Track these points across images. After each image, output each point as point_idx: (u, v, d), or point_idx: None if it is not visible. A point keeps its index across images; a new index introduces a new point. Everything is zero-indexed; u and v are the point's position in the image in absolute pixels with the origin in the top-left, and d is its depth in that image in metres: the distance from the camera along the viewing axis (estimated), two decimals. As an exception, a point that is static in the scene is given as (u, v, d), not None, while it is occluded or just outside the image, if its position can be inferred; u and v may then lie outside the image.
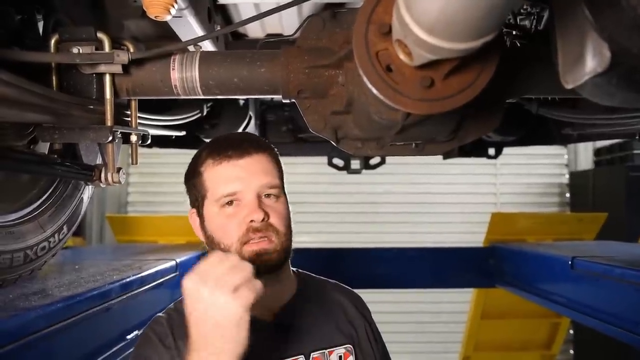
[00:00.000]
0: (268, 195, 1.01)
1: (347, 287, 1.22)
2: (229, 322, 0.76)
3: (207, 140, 1.44)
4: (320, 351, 1.03)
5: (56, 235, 1.45)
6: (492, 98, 1.23)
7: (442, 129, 1.25)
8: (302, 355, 1.01)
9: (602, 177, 5.00)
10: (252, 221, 0.97)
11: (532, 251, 2.44)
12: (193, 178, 1.05)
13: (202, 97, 1.27)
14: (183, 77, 1.22)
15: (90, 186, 1.59)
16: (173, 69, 1.22)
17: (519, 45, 1.44)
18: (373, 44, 0.84)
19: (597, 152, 5.42)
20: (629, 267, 1.66)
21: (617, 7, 0.68)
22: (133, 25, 1.73)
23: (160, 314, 1.03)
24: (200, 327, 0.78)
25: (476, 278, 2.94)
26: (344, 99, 1.21)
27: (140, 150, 1.39)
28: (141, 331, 1.01)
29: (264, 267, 0.96)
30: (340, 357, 1.05)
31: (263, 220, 0.97)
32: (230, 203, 0.99)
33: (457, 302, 5.09)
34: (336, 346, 1.05)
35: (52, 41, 1.14)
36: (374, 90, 0.85)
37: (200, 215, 1.04)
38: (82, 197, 1.57)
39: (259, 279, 0.97)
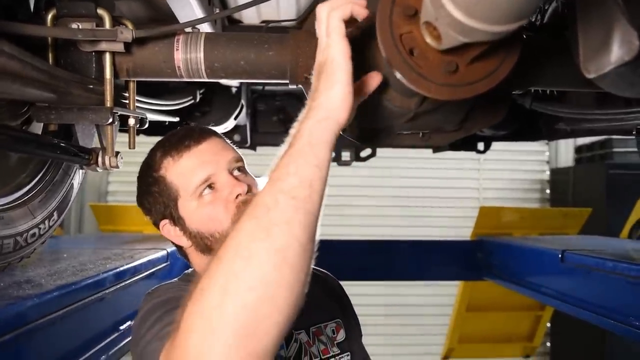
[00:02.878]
0: (239, 170, 1.01)
1: (320, 268, 1.25)
2: (326, 58, 0.77)
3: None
4: (317, 326, 1.07)
5: (46, 222, 1.39)
6: (500, 89, 1.22)
7: (452, 119, 1.24)
8: (303, 330, 1.04)
9: (582, 174, 5.11)
10: (238, 196, 0.95)
11: (522, 244, 2.47)
12: (153, 187, 1.01)
13: (206, 79, 1.23)
14: (187, 58, 1.18)
15: (81, 171, 1.53)
16: (177, 50, 1.17)
17: (525, 37, 1.43)
18: (397, 26, 0.82)
19: (578, 150, 5.53)
20: (620, 260, 1.69)
21: (653, -6, 0.68)
22: (124, 6, 1.67)
23: (159, 285, 0.99)
24: (315, 80, 0.78)
25: (464, 271, 2.96)
26: (354, 85, 1.19)
27: (123, 138, 1.32)
28: (143, 305, 0.92)
29: None
30: (333, 330, 1.10)
31: (248, 191, 0.96)
32: (207, 189, 0.97)
33: (441, 295, 5.16)
34: (329, 321, 1.10)
35: (49, 16, 1.08)
36: (398, 74, 0.82)
37: (178, 219, 1.00)
38: (73, 183, 1.52)
39: None
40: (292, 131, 0.73)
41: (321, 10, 0.80)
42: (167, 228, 1.02)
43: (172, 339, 0.63)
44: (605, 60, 0.80)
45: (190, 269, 1.08)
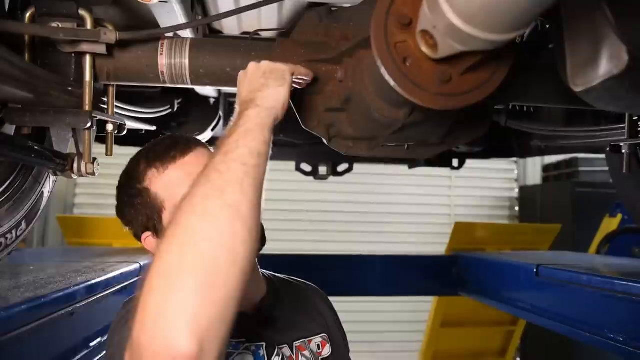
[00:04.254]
0: None
1: (307, 282, 1.25)
2: (274, 67, 0.94)
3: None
4: (301, 340, 1.06)
5: (14, 232, 1.31)
6: (482, 104, 1.25)
7: (436, 131, 1.24)
8: (287, 345, 1.03)
9: (549, 192, 5.27)
10: None
11: (497, 259, 2.50)
12: (136, 199, 0.98)
13: (190, 85, 1.21)
14: (172, 63, 1.15)
15: (51, 179, 1.46)
16: (161, 54, 1.14)
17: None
18: (392, 35, 0.82)
19: (545, 169, 5.71)
20: (594, 274, 1.72)
21: (642, 9, 0.70)
22: (101, 11, 1.63)
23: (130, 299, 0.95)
24: (251, 83, 0.92)
25: (439, 286, 2.97)
26: (341, 96, 1.18)
27: (94, 149, 1.27)
28: (118, 315, 0.91)
29: None
30: (318, 345, 1.08)
31: None
32: None
33: (414, 312, 5.17)
34: (314, 335, 1.09)
35: (28, 14, 1.04)
36: (392, 82, 0.82)
37: (162, 232, 0.97)
38: (43, 191, 1.44)
39: None
40: (237, 114, 0.84)
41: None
42: (149, 240, 0.99)
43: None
44: (594, 73, 0.82)
45: None
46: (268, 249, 1.06)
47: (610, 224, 3.71)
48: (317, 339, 1.09)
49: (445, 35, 0.70)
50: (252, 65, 0.96)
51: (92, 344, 1.37)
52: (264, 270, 1.18)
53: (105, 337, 1.45)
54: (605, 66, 0.79)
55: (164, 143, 1.01)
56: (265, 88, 0.89)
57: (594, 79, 0.82)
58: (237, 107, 0.91)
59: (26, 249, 2.91)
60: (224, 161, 0.72)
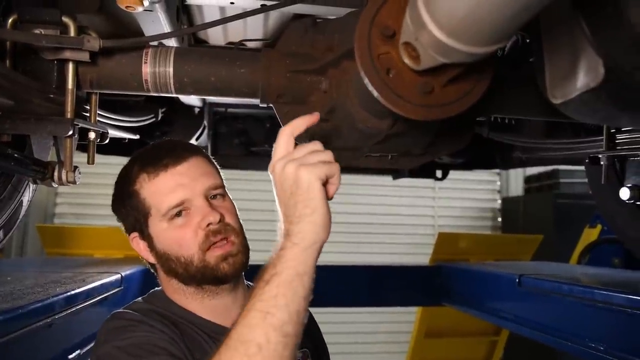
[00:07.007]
0: (214, 197, 0.99)
1: None
2: (299, 188, 0.76)
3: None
4: None
5: (-9, 241, 1.29)
6: (464, 115, 1.27)
7: (419, 142, 1.26)
8: None
9: (531, 203, 5.35)
10: (208, 225, 0.93)
11: (480, 270, 2.52)
12: (127, 200, 0.98)
13: (174, 94, 1.21)
14: (156, 71, 1.15)
15: (31, 188, 1.44)
16: (145, 63, 1.14)
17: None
18: (375, 46, 0.83)
19: (527, 180, 5.80)
20: (576, 284, 1.75)
21: (618, 24, 0.72)
22: (85, 19, 1.62)
23: (119, 311, 0.94)
24: (282, 202, 0.79)
25: (423, 296, 2.98)
26: (326, 106, 1.19)
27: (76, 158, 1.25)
28: (104, 329, 0.89)
29: (233, 268, 0.95)
30: None
31: (220, 221, 0.94)
32: (179, 214, 0.94)
33: (391, 322, 5.16)
34: None
35: (10, 20, 1.03)
36: (375, 93, 0.83)
37: (146, 236, 0.98)
38: (22, 200, 1.42)
39: (228, 285, 0.98)
40: (275, 256, 0.75)
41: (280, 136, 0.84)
42: (136, 241, 1.00)
43: None
44: (572, 86, 0.84)
45: (158, 288, 1.03)
46: (251, 260, 1.06)
47: (590, 234, 3.77)
48: (298, 354, 1.08)
49: (427, 47, 0.72)
50: (277, 166, 0.79)
51: (70, 356, 1.34)
52: (249, 282, 1.17)
53: (85, 349, 1.42)
54: (583, 79, 0.81)
55: (160, 148, 1.01)
56: (296, 220, 0.76)
57: (572, 91, 0.84)
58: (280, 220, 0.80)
59: (4, 259, 2.84)
60: (263, 327, 0.69)
